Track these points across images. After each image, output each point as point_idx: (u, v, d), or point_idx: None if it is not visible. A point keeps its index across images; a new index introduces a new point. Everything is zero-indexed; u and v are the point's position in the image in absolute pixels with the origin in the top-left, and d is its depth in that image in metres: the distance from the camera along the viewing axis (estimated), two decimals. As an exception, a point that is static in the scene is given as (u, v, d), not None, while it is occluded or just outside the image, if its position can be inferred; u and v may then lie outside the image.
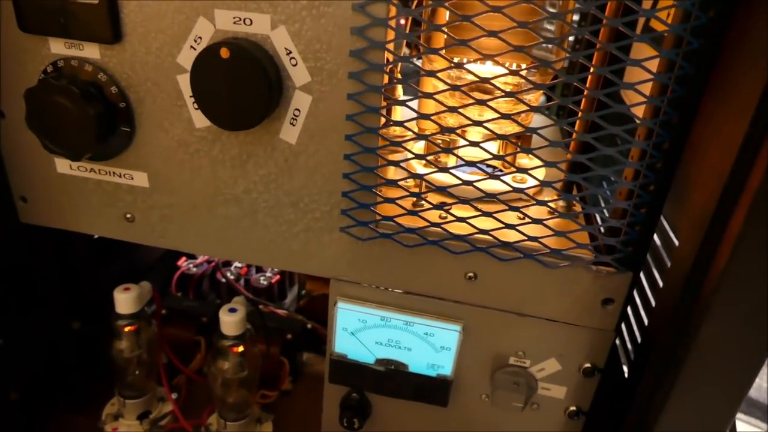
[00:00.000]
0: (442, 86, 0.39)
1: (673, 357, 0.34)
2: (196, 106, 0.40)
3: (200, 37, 0.39)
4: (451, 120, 0.49)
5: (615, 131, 0.36)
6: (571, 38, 0.61)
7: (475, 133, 0.49)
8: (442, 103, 0.38)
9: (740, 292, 0.30)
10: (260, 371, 0.62)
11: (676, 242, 0.38)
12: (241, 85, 0.37)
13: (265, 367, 0.67)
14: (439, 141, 0.49)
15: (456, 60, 0.48)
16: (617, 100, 0.36)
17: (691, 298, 0.33)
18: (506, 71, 0.37)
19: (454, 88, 0.38)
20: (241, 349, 0.56)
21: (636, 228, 0.39)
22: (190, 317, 0.72)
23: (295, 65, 0.38)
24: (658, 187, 0.38)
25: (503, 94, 0.38)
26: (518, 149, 0.40)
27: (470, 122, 0.38)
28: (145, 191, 0.46)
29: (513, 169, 0.41)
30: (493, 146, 0.52)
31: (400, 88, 0.50)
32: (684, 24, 0.33)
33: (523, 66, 0.46)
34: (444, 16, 0.47)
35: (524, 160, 0.53)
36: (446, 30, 0.36)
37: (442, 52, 0.48)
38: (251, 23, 0.37)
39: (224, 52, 0.36)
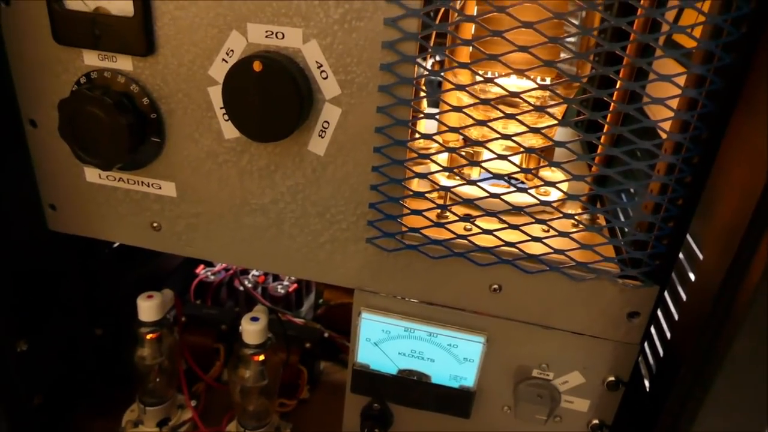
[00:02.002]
0: (466, 99, 0.39)
1: (703, 373, 0.34)
2: (227, 118, 0.41)
3: (232, 50, 0.39)
4: (475, 132, 0.50)
5: (645, 146, 0.36)
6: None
7: (497, 146, 0.49)
8: (470, 116, 0.38)
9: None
10: (281, 380, 0.62)
11: (701, 256, 0.38)
12: (272, 98, 0.37)
13: (284, 375, 0.68)
14: (464, 153, 0.50)
15: (481, 73, 0.49)
16: (640, 114, 0.36)
17: (722, 313, 0.33)
18: (535, 85, 0.38)
19: (484, 102, 0.38)
20: (262, 357, 0.57)
21: (663, 242, 0.39)
22: (209, 325, 0.73)
23: (325, 78, 0.39)
24: (687, 201, 0.38)
25: (531, 108, 0.38)
26: (542, 162, 0.40)
27: (498, 135, 0.38)
28: (173, 201, 0.47)
29: (537, 181, 0.42)
30: (516, 159, 0.52)
31: (424, 102, 0.51)
32: (715, 40, 0.33)
33: (548, 80, 0.46)
34: (469, 29, 0.47)
35: (547, 173, 0.54)
36: (475, 44, 0.37)
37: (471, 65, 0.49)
38: (283, 37, 0.38)
39: (257, 66, 0.36)
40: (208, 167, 0.44)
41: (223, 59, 0.40)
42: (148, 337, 0.58)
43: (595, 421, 0.47)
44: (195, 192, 0.46)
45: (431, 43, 0.46)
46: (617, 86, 0.40)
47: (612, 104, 0.39)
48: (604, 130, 0.40)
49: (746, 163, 0.33)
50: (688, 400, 0.36)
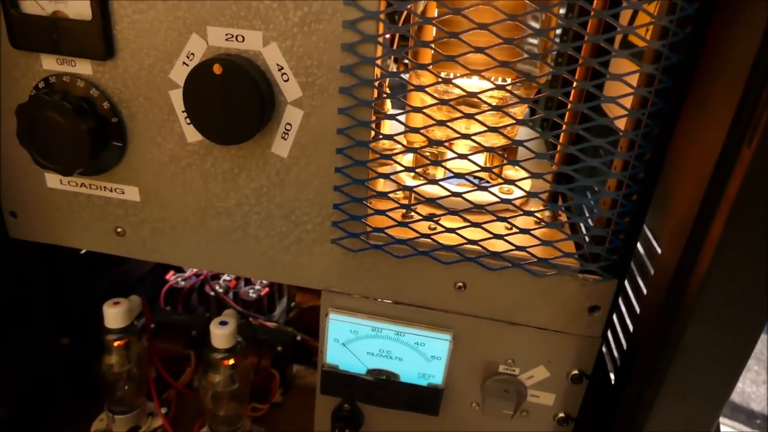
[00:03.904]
0: (429, 100, 0.40)
1: (659, 362, 0.35)
2: (189, 121, 0.41)
3: (193, 54, 0.39)
4: (438, 133, 0.51)
5: (599, 143, 0.37)
6: (554, 53, 0.63)
7: (462, 146, 0.50)
8: (430, 117, 0.39)
9: (721, 297, 0.31)
10: (251, 384, 0.62)
11: (659, 250, 0.39)
12: (233, 101, 0.37)
13: (256, 379, 0.67)
14: (428, 153, 0.50)
15: (443, 75, 0.49)
16: (599, 113, 0.37)
17: (675, 304, 0.34)
18: (492, 86, 0.38)
19: (442, 102, 0.39)
20: (231, 362, 0.57)
21: (620, 236, 0.40)
22: (179, 331, 0.72)
23: (286, 81, 0.39)
24: (641, 196, 0.39)
25: (489, 108, 0.39)
26: (505, 161, 0.41)
27: (458, 135, 0.39)
28: (136, 205, 0.46)
29: (500, 180, 0.42)
30: (480, 158, 0.53)
31: (388, 102, 0.51)
32: (662, 40, 0.34)
33: (508, 80, 0.47)
34: (431, 31, 0.48)
35: (510, 172, 0.55)
36: (434, 46, 0.37)
37: (430, 67, 0.49)
38: (243, 40, 0.38)
39: (217, 68, 0.36)
40: (171, 171, 0.44)
41: (184, 62, 0.40)
42: (115, 344, 0.57)
43: (561, 414, 0.48)
44: (159, 196, 0.46)
45: (395, 46, 0.47)
46: (573, 86, 0.41)
47: (568, 104, 0.40)
48: (562, 129, 0.41)
49: (696, 158, 0.34)
50: (645, 389, 0.37)
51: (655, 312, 0.37)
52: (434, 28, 0.47)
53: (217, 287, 0.82)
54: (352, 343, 0.47)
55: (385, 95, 0.38)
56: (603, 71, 0.36)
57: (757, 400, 1.05)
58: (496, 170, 0.50)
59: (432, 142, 0.40)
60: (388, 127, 0.52)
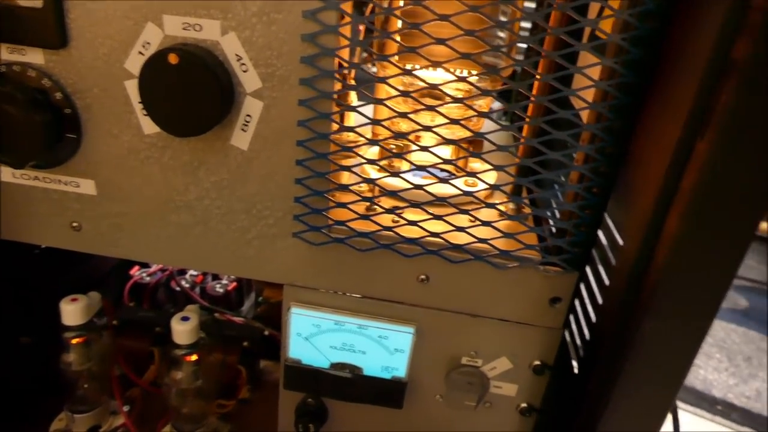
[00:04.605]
0: (394, 92, 0.40)
1: (618, 353, 0.36)
2: (145, 113, 0.40)
3: (149, 43, 0.38)
4: (404, 126, 0.50)
5: (559, 136, 0.38)
6: (523, 45, 0.63)
7: (428, 139, 0.50)
8: (392, 109, 0.39)
9: (677, 290, 0.32)
10: (217, 380, 0.61)
11: (621, 242, 0.40)
12: (190, 91, 0.37)
13: (223, 376, 0.67)
14: (393, 146, 0.50)
15: (408, 67, 0.49)
16: (567, 106, 0.37)
17: (633, 297, 0.35)
18: (454, 78, 0.38)
19: (404, 94, 0.38)
20: (194, 357, 0.56)
21: (582, 229, 0.41)
22: (144, 327, 0.70)
23: (245, 71, 0.38)
24: (602, 189, 0.39)
25: (452, 100, 0.39)
26: (469, 154, 0.41)
27: (420, 127, 0.39)
28: (93, 199, 0.45)
29: (464, 173, 0.42)
30: (447, 151, 0.53)
31: (353, 94, 0.51)
32: (624, 33, 0.34)
33: (473, 73, 0.47)
34: (395, 23, 0.47)
35: (476, 164, 0.55)
36: (396, 37, 0.37)
37: (395, 59, 0.49)
38: (201, 29, 0.37)
39: (173, 58, 0.36)
40: (129, 164, 0.43)
41: (140, 52, 0.39)
42: (74, 341, 0.56)
43: (524, 405, 0.48)
44: (117, 190, 0.44)
45: (361, 37, 0.46)
46: (535, 78, 0.41)
47: (531, 96, 0.40)
48: (524, 122, 0.41)
49: (656, 152, 0.34)
50: (605, 380, 0.37)
51: (616, 303, 0.38)
52: (399, 21, 0.47)
53: (183, 282, 0.80)
54: (315, 337, 0.47)
55: (347, 87, 0.38)
56: (565, 64, 0.36)
57: (719, 387, 1.08)
58: (460, 163, 0.50)
59: (396, 135, 0.40)
60: (354, 119, 0.52)
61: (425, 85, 0.39)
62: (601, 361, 0.39)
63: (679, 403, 1.01)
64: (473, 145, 0.52)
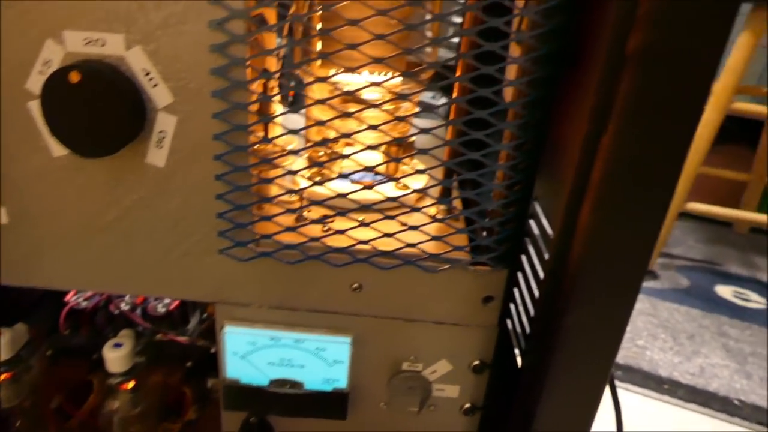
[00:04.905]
0: (321, 98, 0.39)
1: (547, 345, 0.36)
2: (51, 134, 0.38)
3: (50, 61, 0.37)
4: (333, 133, 0.50)
5: (477, 135, 0.38)
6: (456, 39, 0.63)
7: (358, 144, 0.49)
8: (310, 117, 0.38)
9: (594, 283, 0.32)
10: (161, 404, 0.59)
11: (551, 234, 0.40)
12: (96, 110, 0.35)
13: (166, 398, 0.65)
14: (322, 153, 0.50)
15: (333, 72, 0.48)
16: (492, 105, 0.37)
17: (557, 288, 0.35)
18: (366, 84, 0.38)
19: (321, 101, 0.38)
20: (131, 384, 0.54)
21: (507, 226, 0.41)
22: (80, 356, 0.68)
23: (155, 86, 0.37)
24: (523, 186, 0.40)
25: (368, 105, 0.38)
26: (390, 159, 0.41)
27: (339, 135, 0.39)
28: (6, 228, 0.43)
29: (400, 174, 0.42)
30: (379, 156, 0.52)
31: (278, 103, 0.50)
32: (533, 30, 0.35)
33: (389, 75, 0.47)
34: (316, 29, 0.47)
35: (408, 167, 0.54)
36: (317, 43, 0.37)
37: (318, 64, 0.48)
38: (104, 44, 0.36)
39: (74, 76, 0.34)
40: (41, 188, 0.41)
41: (40, 71, 0.37)
42: (1, 378, 0.53)
43: (467, 405, 0.48)
44: (31, 216, 0.42)
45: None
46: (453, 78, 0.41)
47: (452, 96, 0.40)
48: (444, 123, 0.41)
49: (570, 147, 0.35)
50: (537, 375, 0.38)
51: (547, 296, 0.38)
52: (318, 24, 0.47)
53: (123, 305, 0.77)
54: (252, 354, 0.46)
55: (262, 97, 0.37)
56: (476, 65, 0.36)
57: (665, 366, 1.11)
58: (391, 167, 0.50)
59: (316, 144, 0.39)
60: (279, 128, 0.51)
61: (350, 90, 0.38)
62: (532, 355, 0.40)
63: (628, 386, 1.04)
64: (404, 148, 0.52)
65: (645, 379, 1.06)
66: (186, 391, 0.67)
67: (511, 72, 0.40)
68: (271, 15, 0.53)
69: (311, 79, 0.46)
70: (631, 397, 1.01)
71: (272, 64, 0.54)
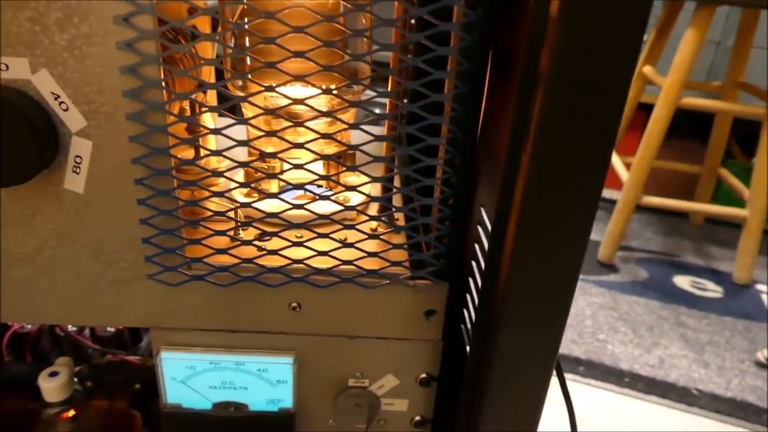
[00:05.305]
0: (252, 113, 0.38)
1: (481, 363, 0.36)
2: (-42, 163, 0.36)
3: (-49, 87, 0.35)
4: (271, 148, 0.48)
5: (408, 151, 0.37)
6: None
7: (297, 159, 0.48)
8: (229, 137, 0.37)
9: (522, 302, 0.32)
10: (107, 429, 0.57)
11: (486, 245, 0.40)
12: (2, 138, 0.33)
13: (114, 423, 0.62)
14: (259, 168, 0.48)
15: (267, 84, 0.47)
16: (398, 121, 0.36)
17: (488, 306, 0.35)
18: (289, 101, 0.37)
19: (241, 122, 0.37)
20: (71, 413, 0.52)
21: (444, 241, 0.40)
22: (21, 384, 0.65)
23: (66, 110, 0.35)
24: (457, 200, 0.39)
25: (298, 122, 0.37)
26: (319, 177, 0.40)
27: (276, 151, 0.37)
28: None
29: (339, 189, 0.41)
30: (318, 167, 0.51)
31: (207, 117, 0.49)
32: (454, 45, 0.34)
33: (333, 86, 0.46)
34: (245, 41, 0.46)
35: (351, 178, 0.53)
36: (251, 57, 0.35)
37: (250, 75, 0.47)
38: (8, 68, 0.34)
39: (-26, 104, 0.32)
40: (-46, 219, 0.39)
41: (-59, 98, 0.35)
42: (-72, 414, 0.51)
43: (417, 418, 0.48)
44: (-55, 248, 0.40)
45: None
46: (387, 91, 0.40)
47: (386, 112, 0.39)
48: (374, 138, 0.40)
49: (494, 164, 0.35)
50: (476, 387, 0.37)
51: (483, 308, 0.38)
52: (246, 39, 0.45)
53: (69, 326, 0.75)
54: (191, 379, 0.44)
55: (179, 119, 0.35)
56: (401, 80, 0.35)
57: (625, 360, 1.13)
58: (329, 183, 0.49)
59: (243, 163, 0.38)
60: (216, 144, 0.50)
61: (285, 102, 0.37)
62: (473, 366, 0.39)
63: (590, 380, 1.05)
64: (346, 160, 0.51)
65: (606, 374, 1.07)
66: (135, 415, 0.65)
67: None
68: (205, 26, 0.52)
69: (242, 94, 0.45)
70: (593, 392, 1.03)
71: (208, 75, 0.52)
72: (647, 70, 1.55)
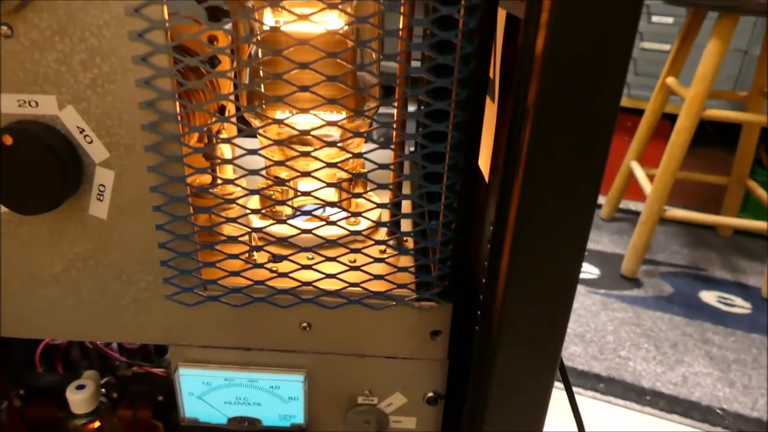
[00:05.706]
0: (265, 142, 0.39)
1: (483, 380, 0.37)
2: (-9, 193, 0.39)
3: (-14, 122, 0.37)
4: (284, 173, 0.50)
5: (410, 177, 0.38)
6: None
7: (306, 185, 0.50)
8: (237, 165, 0.39)
9: (518, 320, 0.33)
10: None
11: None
12: (31, 169, 0.36)
13: (138, 434, 0.65)
14: (271, 193, 0.50)
15: (278, 114, 0.49)
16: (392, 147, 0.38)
17: (486, 328, 0.36)
18: (296, 132, 0.39)
19: (251, 152, 0.39)
20: (96, 425, 0.54)
21: (447, 263, 0.42)
22: (51, 394, 0.68)
23: (90, 142, 0.38)
24: (460, 224, 0.40)
25: (305, 152, 0.39)
26: (326, 203, 0.42)
27: (289, 178, 0.39)
28: (-44, 280, 0.43)
29: (348, 213, 0.43)
30: (331, 195, 0.53)
31: (222, 148, 0.51)
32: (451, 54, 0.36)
33: (344, 114, 0.48)
34: (258, 73, 0.48)
35: (361, 200, 0.55)
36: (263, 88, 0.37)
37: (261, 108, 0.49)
38: (37, 105, 0.37)
39: (7, 139, 0.35)
40: (-13, 242, 0.42)
41: (-23, 133, 0.38)
42: (-35, 424, 0.54)
43: (426, 436, 0.49)
44: (-21, 269, 0.43)
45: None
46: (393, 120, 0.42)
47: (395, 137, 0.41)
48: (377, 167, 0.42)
49: (491, 193, 0.36)
50: (476, 406, 0.38)
51: (482, 330, 0.39)
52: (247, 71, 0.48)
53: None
54: (208, 394, 0.46)
55: (193, 150, 0.38)
56: (395, 107, 0.37)
57: (647, 377, 1.11)
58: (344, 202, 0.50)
59: (256, 191, 0.40)
60: (231, 171, 0.52)
61: (295, 132, 0.39)
62: (474, 387, 0.40)
63: (610, 398, 1.04)
64: (355, 186, 0.52)
65: (626, 391, 1.06)
66: (158, 426, 0.67)
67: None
68: (224, 57, 0.54)
69: (258, 123, 0.47)
70: (613, 410, 1.02)
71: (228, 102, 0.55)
72: (670, 81, 1.53)
